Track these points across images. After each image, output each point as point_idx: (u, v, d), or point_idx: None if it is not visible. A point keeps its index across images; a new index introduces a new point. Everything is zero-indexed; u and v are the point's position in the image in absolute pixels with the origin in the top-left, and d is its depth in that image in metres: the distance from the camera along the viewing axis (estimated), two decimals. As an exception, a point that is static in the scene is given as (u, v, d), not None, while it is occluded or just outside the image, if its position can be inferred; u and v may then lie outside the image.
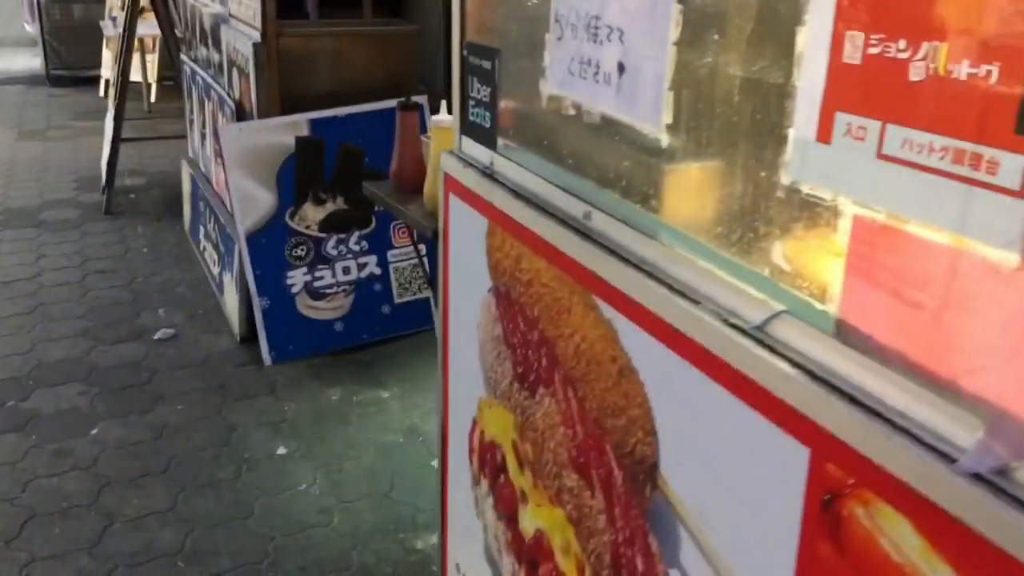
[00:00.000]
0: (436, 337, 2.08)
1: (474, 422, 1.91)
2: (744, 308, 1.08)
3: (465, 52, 1.81)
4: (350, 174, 3.89)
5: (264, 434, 3.39)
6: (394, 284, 4.08)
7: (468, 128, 1.84)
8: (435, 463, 3.24)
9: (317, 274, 3.93)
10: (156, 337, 4.14)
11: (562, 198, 1.50)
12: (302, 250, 3.90)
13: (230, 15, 4.25)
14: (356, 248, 3.98)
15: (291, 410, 3.57)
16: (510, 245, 1.64)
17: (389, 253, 4.05)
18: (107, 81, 9.34)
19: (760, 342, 1.04)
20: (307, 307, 3.96)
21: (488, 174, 1.74)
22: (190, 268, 4.98)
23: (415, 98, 2.25)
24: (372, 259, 4.02)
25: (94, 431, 3.38)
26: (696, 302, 1.15)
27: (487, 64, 1.72)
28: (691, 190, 1.21)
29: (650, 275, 1.25)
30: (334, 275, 3.97)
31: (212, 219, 4.61)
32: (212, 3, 4.67)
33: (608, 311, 1.34)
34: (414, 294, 4.12)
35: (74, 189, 6.41)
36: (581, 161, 1.46)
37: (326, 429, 3.44)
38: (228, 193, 3.84)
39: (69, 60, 10.33)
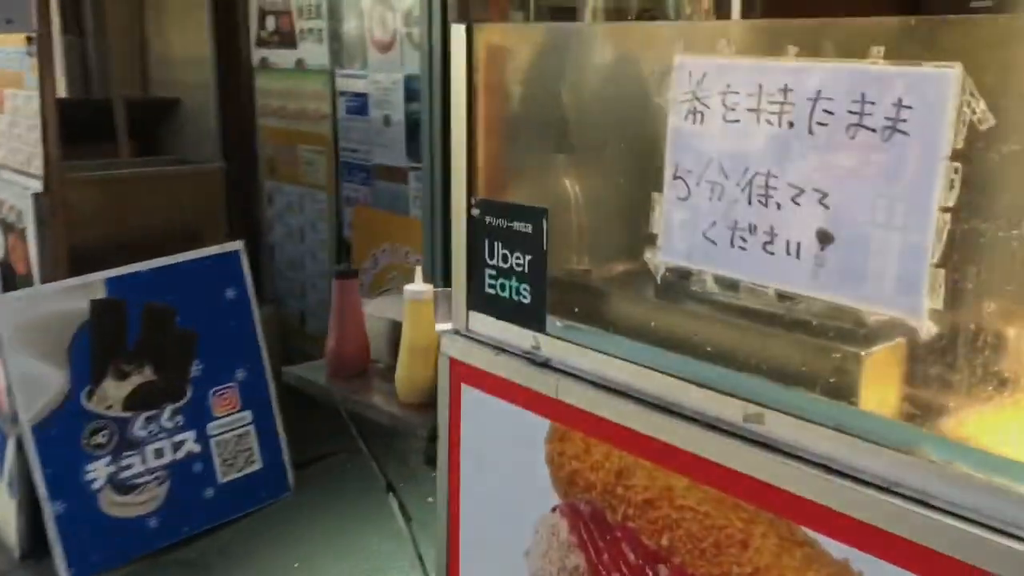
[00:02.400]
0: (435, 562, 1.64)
1: (519, 675, 1.49)
2: None
3: (477, 211, 1.46)
4: (159, 338, 3.27)
5: None
6: (217, 462, 3.44)
7: (484, 303, 1.48)
8: None
9: (123, 463, 3.22)
10: (-101, 571, 3.19)
11: (700, 395, 1.18)
12: (103, 436, 3.18)
13: (-18, 159, 3.49)
14: (170, 425, 3.33)
15: (115, 644, 2.83)
16: (603, 454, 1.29)
17: (209, 426, 3.42)
18: None
19: None
20: (112, 504, 3.22)
21: (540, 362, 1.38)
22: (-80, 467, 3.97)
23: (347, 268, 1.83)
24: (190, 435, 3.37)
25: None
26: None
27: (526, 227, 1.38)
28: (980, 395, 0.95)
29: (920, 502, 0.97)
30: (144, 461, 3.28)
31: (-43, 405, 3.71)
32: (-54, 144, 3.84)
33: (839, 549, 1.03)
34: (240, 470, 3.51)
35: None
36: (735, 349, 1.16)
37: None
38: (4, 378, 3.07)
39: None
